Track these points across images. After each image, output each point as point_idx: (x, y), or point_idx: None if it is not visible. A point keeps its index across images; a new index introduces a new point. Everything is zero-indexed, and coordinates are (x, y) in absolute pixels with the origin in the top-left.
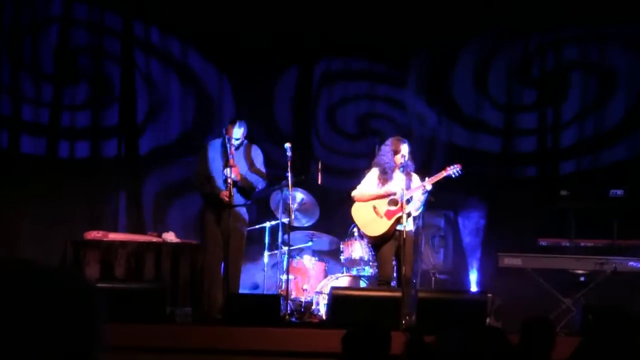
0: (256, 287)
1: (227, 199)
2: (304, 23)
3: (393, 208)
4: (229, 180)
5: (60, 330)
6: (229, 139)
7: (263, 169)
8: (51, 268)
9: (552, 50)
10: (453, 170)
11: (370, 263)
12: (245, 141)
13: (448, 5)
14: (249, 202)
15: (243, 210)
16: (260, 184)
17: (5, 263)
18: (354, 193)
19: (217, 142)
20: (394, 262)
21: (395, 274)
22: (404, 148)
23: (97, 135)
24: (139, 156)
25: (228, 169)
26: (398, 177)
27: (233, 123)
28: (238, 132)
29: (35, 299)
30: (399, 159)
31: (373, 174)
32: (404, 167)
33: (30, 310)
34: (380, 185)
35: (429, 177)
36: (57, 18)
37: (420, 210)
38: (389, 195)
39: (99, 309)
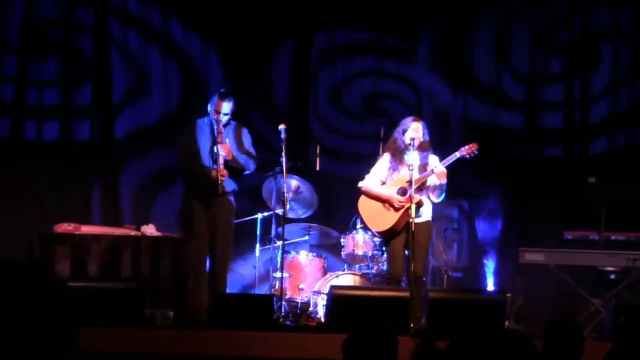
0: (247, 287)
1: (222, 177)
2: None
3: (401, 198)
4: (220, 159)
5: (27, 332)
6: (217, 114)
7: (253, 150)
8: (17, 263)
9: (581, 15)
10: (468, 151)
11: (376, 259)
12: (234, 121)
13: None
14: (237, 189)
15: (232, 199)
16: (250, 164)
17: None
18: (360, 184)
19: (202, 121)
20: (405, 258)
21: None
22: (414, 125)
23: (68, 116)
24: (115, 140)
25: (218, 146)
26: (410, 161)
27: (222, 97)
28: (227, 107)
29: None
30: (407, 139)
31: (383, 160)
32: (416, 148)
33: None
34: (391, 172)
35: (442, 158)
36: None
37: (441, 198)
38: (392, 200)
39: (70, 309)
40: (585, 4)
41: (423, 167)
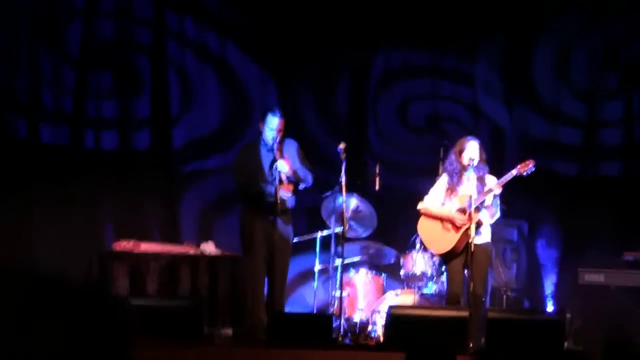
0: (306, 306)
1: (287, 192)
2: (356, 13)
3: (463, 217)
4: (282, 176)
5: (91, 348)
6: (272, 132)
7: (308, 164)
8: (81, 281)
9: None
10: (524, 168)
11: (434, 279)
12: (287, 138)
13: None
14: (293, 205)
15: (289, 218)
16: (309, 178)
17: (31, 275)
18: (420, 206)
19: (256, 140)
20: (465, 278)
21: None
22: (471, 146)
23: (128, 139)
24: (175, 158)
25: (279, 162)
26: (469, 181)
27: (273, 114)
28: (280, 123)
29: (67, 313)
30: (466, 159)
31: (442, 181)
32: (474, 169)
33: (60, 325)
34: (449, 193)
35: (498, 178)
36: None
37: (496, 217)
38: (454, 219)
39: (132, 326)
40: None
41: (481, 187)
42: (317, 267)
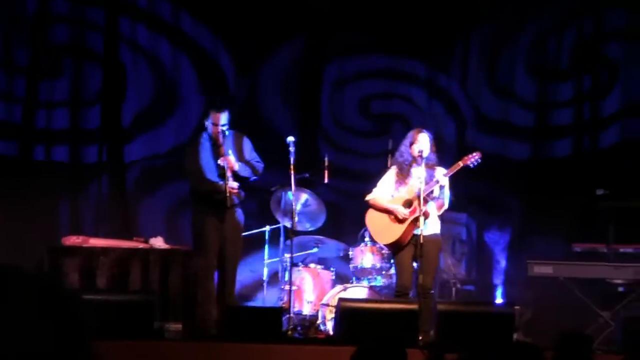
0: (255, 299)
1: (232, 191)
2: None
3: (406, 211)
4: (227, 172)
5: (45, 342)
6: (216, 127)
7: (256, 155)
8: (32, 273)
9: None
10: (471, 159)
11: (384, 272)
12: (231, 130)
13: None
14: (243, 198)
15: (239, 212)
16: (257, 170)
17: None
18: (368, 197)
19: (202, 137)
20: (413, 271)
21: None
22: (422, 138)
23: (78, 113)
24: (122, 148)
25: (223, 158)
26: (417, 173)
27: (218, 109)
28: (224, 118)
29: (24, 305)
30: (416, 151)
31: (390, 173)
32: (424, 161)
33: (17, 317)
34: (398, 185)
35: (446, 168)
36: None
37: (445, 208)
38: (397, 213)
39: (86, 319)
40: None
41: (430, 179)
42: (266, 261)
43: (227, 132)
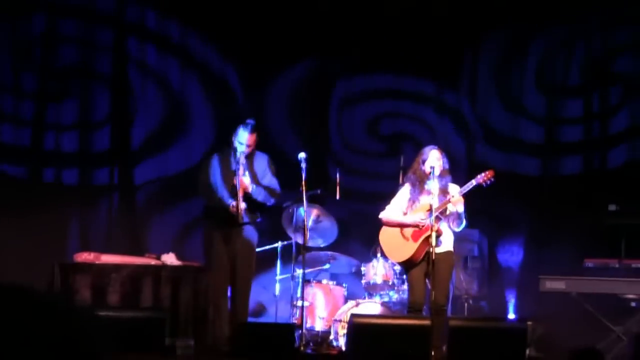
0: (267, 316)
1: (235, 210)
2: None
3: (425, 222)
4: (239, 192)
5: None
6: (240, 146)
7: (276, 181)
8: (44, 292)
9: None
10: (484, 178)
11: (396, 288)
12: (258, 152)
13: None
14: (258, 220)
15: (252, 229)
16: (272, 196)
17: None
18: (381, 215)
19: (224, 152)
20: (426, 287)
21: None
22: (432, 155)
23: (87, 135)
24: (134, 168)
25: (240, 177)
26: (430, 191)
27: (245, 129)
28: (250, 139)
29: (37, 326)
30: (427, 168)
31: (404, 191)
32: (436, 178)
33: (30, 336)
34: (411, 203)
35: (460, 185)
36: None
37: (462, 226)
38: (417, 225)
39: (99, 337)
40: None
41: (443, 196)
42: (279, 277)
43: (253, 153)
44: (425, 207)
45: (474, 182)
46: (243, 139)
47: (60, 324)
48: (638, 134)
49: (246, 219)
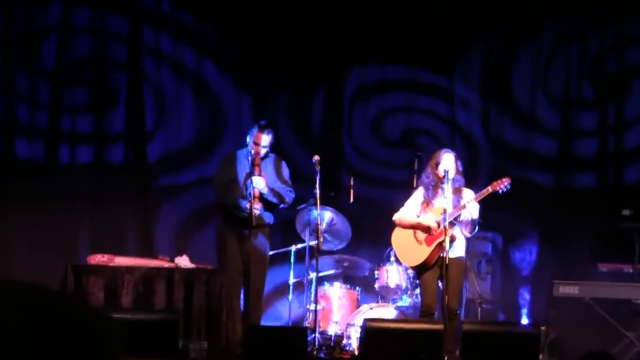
0: (280, 319)
1: (255, 209)
2: (332, 29)
3: (434, 233)
4: (255, 192)
5: None
6: (256, 146)
7: (290, 185)
8: (64, 292)
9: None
10: (500, 185)
11: (409, 292)
12: (272, 154)
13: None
14: (271, 222)
15: (266, 232)
16: (286, 198)
17: (12, 288)
18: (395, 217)
19: (241, 152)
20: (438, 292)
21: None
22: (447, 158)
23: (102, 149)
24: (149, 171)
25: (255, 178)
26: (444, 194)
27: (262, 129)
28: (266, 140)
29: (51, 327)
30: (441, 171)
31: (417, 194)
32: (450, 182)
33: (43, 337)
34: (424, 206)
35: (476, 192)
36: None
37: (474, 232)
38: (428, 227)
39: (117, 338)
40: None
41: (457, 201)
42: (292, 280)
43: (267, 155)
44: (439, 211)
45: (489, 189)
46: (258, 139)
47: (75, 324)
48: None
49: (261, 221)
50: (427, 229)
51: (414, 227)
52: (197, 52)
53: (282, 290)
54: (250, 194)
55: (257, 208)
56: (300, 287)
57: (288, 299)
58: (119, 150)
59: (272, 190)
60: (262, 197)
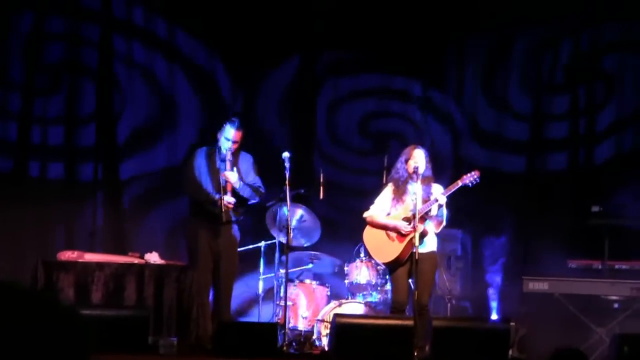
0: (250, 315)
1: (228, 206)
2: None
3: (408, 227)
4: (228, 186)
5: (47, 357)
6: (227, 142)
7: (259, 179)
8: (29, 288)
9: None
10: (470, 178)
11: (379, 288)
12: (242, 150)
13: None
14: (241, 218)
15: (235, 228)
16: (257, 194)
17: None
18: (366, 214)
19: (210, 149)
20: (410, 287)
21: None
22: (417, 154)
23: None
24: (118, 166)
25: (227, 173)
26: (413, 190)
27: (232, 125)
28: (237, 135)
29: (24, 323)
30: (411, 167)
31: (387, 190)
32: (420, 177)
33: (16, 333)
34: (395, 202)
35: (445, 186)
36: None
37: (442, 226)
38: (399, 228)
39: (88, 334)
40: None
41: (427, 196)
42: (262, 276)
43: (238, 150)
44: (408, 207)
45: (459, 183)
46: (229, 135)
47: (47, 320)
48: (624, 128)
49: (231, 217)
50: (397, 231)
51: (385, 228)
52: (168, 62)
53: (251, 286)
54: (223, 188)
55: (230, 202)
56: (269, 283)
57: (258, 296)
58: (91, 135)
59: (244, 184)
60: (234, 192)
